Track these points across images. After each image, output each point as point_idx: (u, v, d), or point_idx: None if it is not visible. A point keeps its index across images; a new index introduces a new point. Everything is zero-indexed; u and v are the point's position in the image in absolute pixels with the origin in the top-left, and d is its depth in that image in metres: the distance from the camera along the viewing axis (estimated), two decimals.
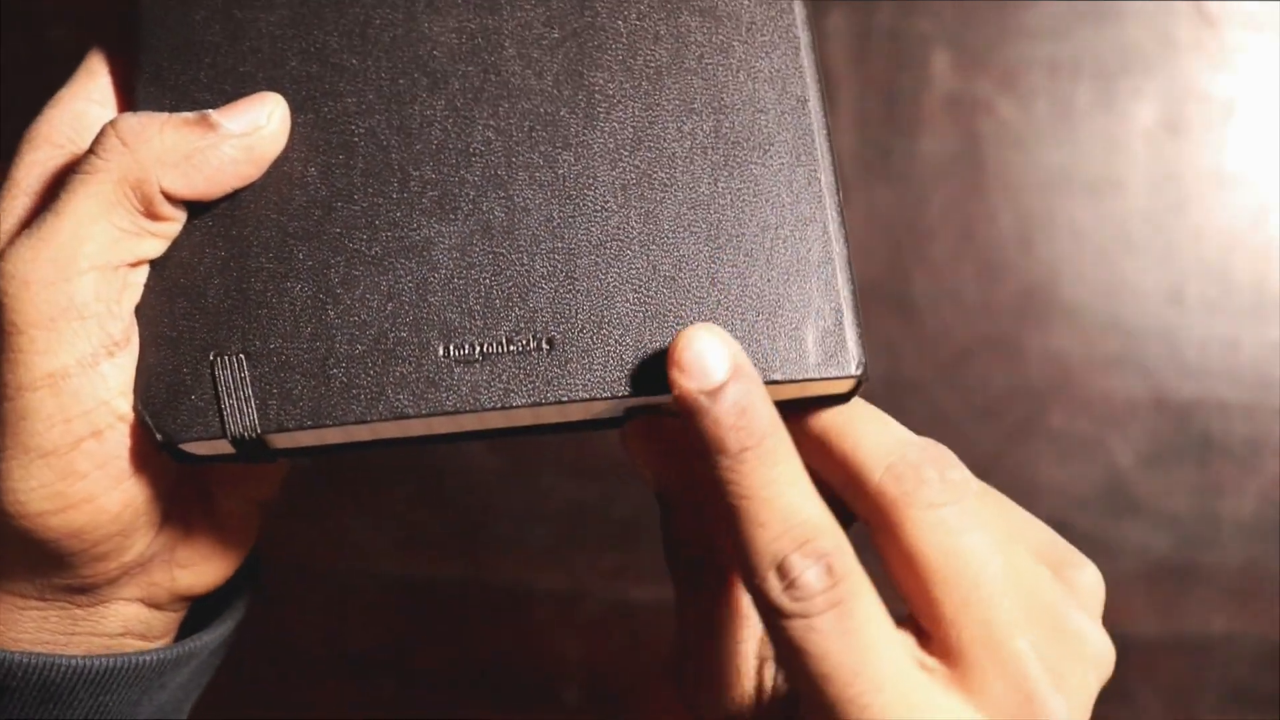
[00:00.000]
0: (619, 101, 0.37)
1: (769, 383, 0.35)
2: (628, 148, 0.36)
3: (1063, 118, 0.78)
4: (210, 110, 0.36)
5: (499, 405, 0.35)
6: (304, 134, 0.37)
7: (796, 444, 0.34)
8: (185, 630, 0.42)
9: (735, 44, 0.37)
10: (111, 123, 0.35)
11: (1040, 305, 0.77)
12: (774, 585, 0.32)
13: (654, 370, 0.35)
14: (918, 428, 0.37)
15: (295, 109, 0.37)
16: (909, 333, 0.78)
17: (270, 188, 0.37)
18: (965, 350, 0.78)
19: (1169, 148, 0.78)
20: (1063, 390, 0.77)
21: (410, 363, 0.35)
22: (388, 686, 0.79)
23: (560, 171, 0.36)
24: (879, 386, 0.77)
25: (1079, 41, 0.78)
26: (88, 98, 0.37)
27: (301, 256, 0.36)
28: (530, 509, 0.79)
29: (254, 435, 0.35)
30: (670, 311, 0.36)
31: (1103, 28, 0.78)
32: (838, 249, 0.36)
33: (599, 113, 0.37)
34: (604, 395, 0.35)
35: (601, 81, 0.37)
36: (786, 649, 0.32)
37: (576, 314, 0.35)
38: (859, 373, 0.35)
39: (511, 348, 0.35)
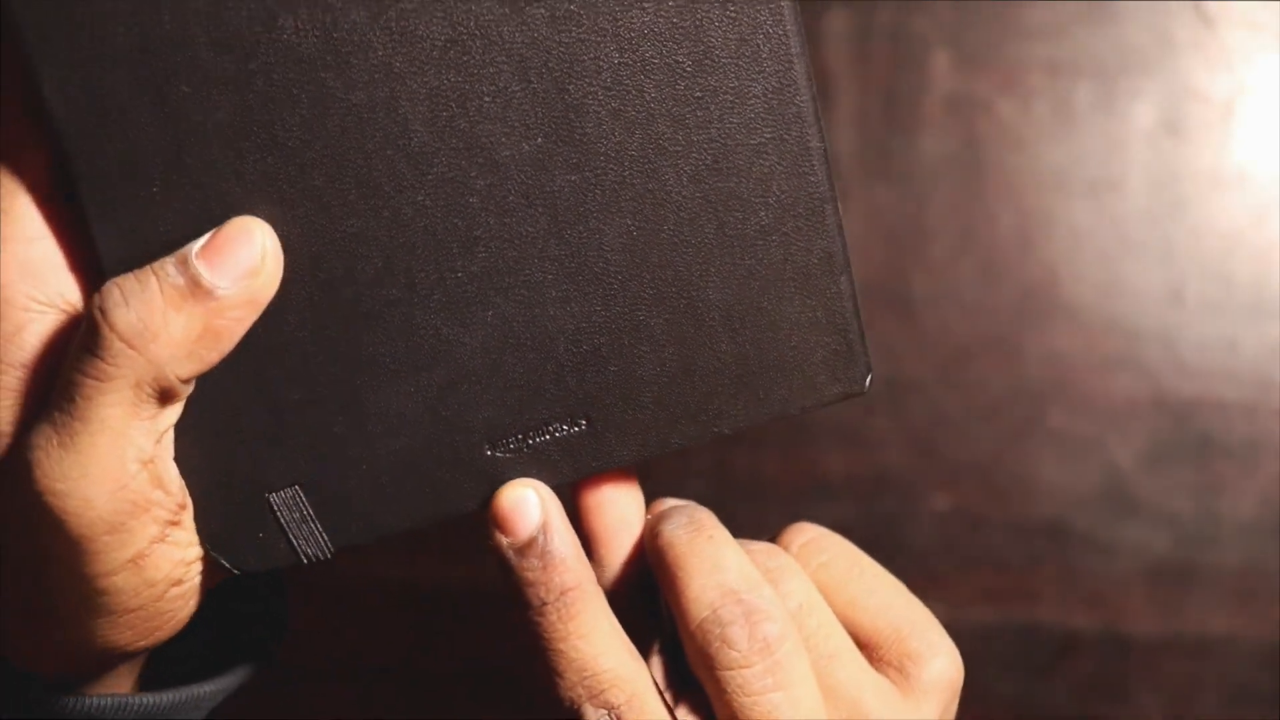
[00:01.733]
0: (615, 156, 0.35)
1: (785, 416, 0.37)
2: (631, 205, 0.35)
3: (1063, 118, 0.78)
4: (199, 266, 0.33)
5: (550, 485, 0.37)
6: (292, 248, 0.34)
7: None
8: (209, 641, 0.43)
9: (725, 66, 0.35)
10: (105, 317, 0.33)
11: (1040, 305, 0.77)
12: None
13: (687, 423, 0.37)
14: (918, 428, 0.37)
15: (274, 222, 0.34)
16: (909, 333, 0.78)
17: (274, 313, 0.34)
18: (965, 350, 0.78)
19: (1169, 148, 0.78)
20: (1063, 390, 0.77)
21: (461, 465, 0.36)
22: (392, 691, 0.79)
23: (568, 247, 0.35)
24: (879, 387, 0.77)
25: (1079, 41, 0.78)
26: (25, 238, 0.34)
27: (327, 380, 0.35)
28: None
29: (328, 556, 0.36)
30: (695, 366, 0.36)
31: (1102, 28, 0.78)
32: (841, 268, 0.37)
33: (596, 170, 0.35)
34: (645, 456, 0.37)
35: (593, 134, 0.34)
36: None
37: (607, 390, 0.36)
38: (868, 386, 0.37)
39: (553, 431, 0.36)
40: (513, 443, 0.36)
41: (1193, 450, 0.77)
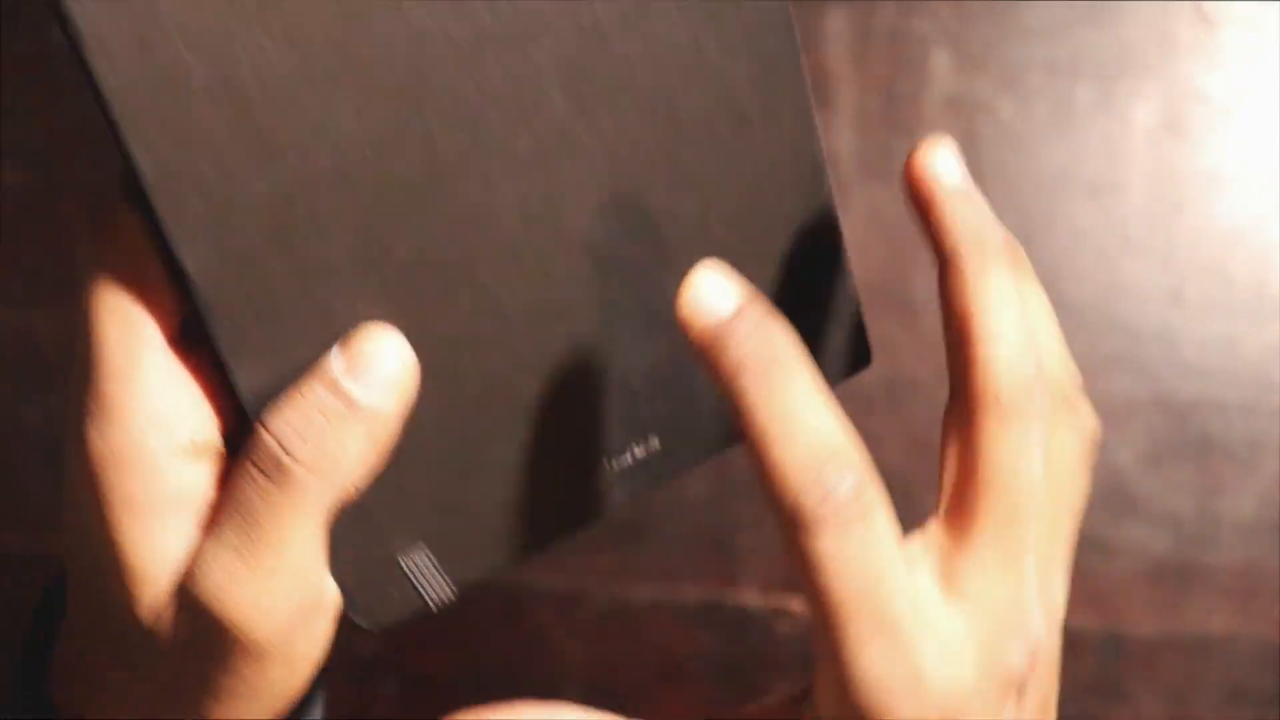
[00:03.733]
0: (671, 222, 0.37)
1: None
2: (686, 263, 0.38)
3: (1063, 118, 0.78)
4: (349, 386, 0.34)
5: (633, 499, 0.40)
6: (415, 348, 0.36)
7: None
8: None
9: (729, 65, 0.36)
10: (287, 452, 0.34)
11: None
12: (810, 497, 0.31)
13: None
14: (918, 428, 0.37)
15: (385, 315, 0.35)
16: (909, 333, 0.78)
17: None
18: None
19: (1169, 148, 0.78)
20: None
21: (558, 499, 0.39)
22: (389, 688, 0.79)
23: (641, 303, 0.38)
24: (879, 387, 0.77)
25: (1079, 41, 0.78)
26: (152, 391, 0.34)
27: (444, 452, 0.37)
28: None
29: (453, 598, 0.39)
30: None
31: (1102, 28, 0.78)
32: (841, 255, 0.39)
33: (659, 240, 0.37)
34: (710, 456, 0.40)
35: (655, 209, 0.37)
36: (811, 566, 0.32)
37: (674, 409, 0.40)
38: (868, 365, 0.41)
39: (633, 452, 0.39)
40: (602, 469, 0.39)
41: (1193, 450, 0.77)
